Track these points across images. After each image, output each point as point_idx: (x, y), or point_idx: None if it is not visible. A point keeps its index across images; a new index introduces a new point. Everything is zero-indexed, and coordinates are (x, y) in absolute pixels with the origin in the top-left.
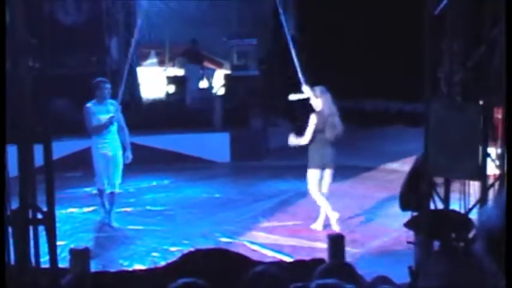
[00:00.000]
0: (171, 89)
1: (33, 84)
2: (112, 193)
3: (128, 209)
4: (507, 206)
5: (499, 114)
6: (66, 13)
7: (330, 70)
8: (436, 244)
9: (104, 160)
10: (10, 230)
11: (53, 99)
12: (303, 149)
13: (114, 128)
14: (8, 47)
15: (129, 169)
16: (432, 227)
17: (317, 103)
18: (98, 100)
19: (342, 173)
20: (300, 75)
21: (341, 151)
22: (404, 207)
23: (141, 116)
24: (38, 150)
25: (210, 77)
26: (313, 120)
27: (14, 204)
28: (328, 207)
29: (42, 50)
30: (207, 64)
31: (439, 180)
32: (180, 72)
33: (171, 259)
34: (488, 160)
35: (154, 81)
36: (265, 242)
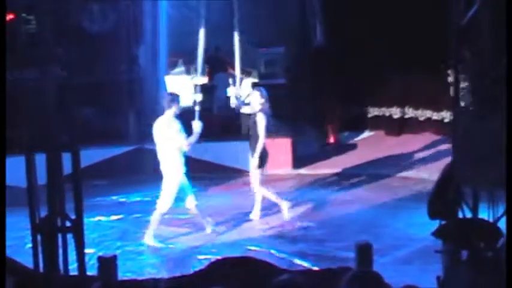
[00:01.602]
0: (199, 97)
1: (61, 93)
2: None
3: None
4: (507, 207)
5: None
6: (92, 22)
7: (357, 77)
8: (464, 253)
9: (180, 181)
10: (39, 237)
11: (80, 107)
12: (330, 158)
13: None
14: (35, 56)
15: (157, 177)
16: (460, 236)
17: (261, 103)
18: (173, 115)
19: (373, 181)
20: (239, 73)
21: (372, 159)
22: (432, 215)
23: None
24: (66, 159)
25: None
26: (263, 119)
27: (43, 212)
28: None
29: (69, 59)
30: (233, 72)
31: (468, 188)
32: (205, 80)
33: (199, 267)
34: None
35: (182, 89)
36: (293, 250)
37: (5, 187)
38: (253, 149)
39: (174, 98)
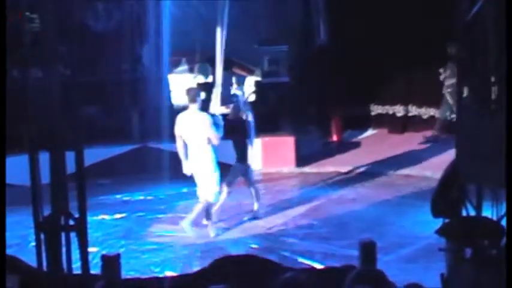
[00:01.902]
0: (202, 95)
1: (65, 92)
2: None
3: (159, 216)
4: (507, 207)
5: None
6: (97, 20)
7: (360, 76)
8: (468, 251)
9: (217, 172)
10: (42, 236)
11: (84, 106)
12: (333, 157)
13: None
14: (38, 54)
15: (160, 176)
16: (464, 234)
17: (247, 103)
18: (198, 108)
19: (376, 179)
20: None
21: (375, 157)
22: (436, 213)
23: (172, 122)
24: (70, 157)
25: (240, 84)
26: (252, 118)
27: (46, 211)
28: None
29: (73, 57)
30: (237, 71)
31: (471, 186)
32: (204, 79)
33: (202, 266)
34: None
35: (185, 88)
36: (296, 248)
37: (5, 186)
38: (242, 148)
39: (199, 91)
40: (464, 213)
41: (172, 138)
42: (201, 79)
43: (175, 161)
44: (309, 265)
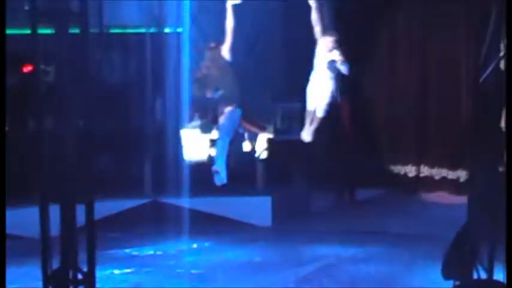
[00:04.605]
0: (214, 151)
1: (77, 143)
2: None
3: (168, 271)
4: (507, 207)
5: None
6: (111, 72)
7: (372, 136)
8: None
9: None
10: None
11: (96, 158)
12: (344, 215)
13: None
14: (51, 105)
15: (170, 231)
16: None
17: None
18: None
19: (387, 238)
20: None
21: (386, 217)
22: (447, 275)
23: (184, 177)
24: (80, 210)
25: (253, 140)
26: None
27: (55, 264)
28: None
29: (87, 108)
30: (249, 127)
31: (483, 248)
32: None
33: None
34: None
35: (197, 143)
36: None
37: (5, 188)
38: None
39: None
40: (475, 276)
41: (181, 192)
42: (213, 135)
43: (185, 216)
44: None
